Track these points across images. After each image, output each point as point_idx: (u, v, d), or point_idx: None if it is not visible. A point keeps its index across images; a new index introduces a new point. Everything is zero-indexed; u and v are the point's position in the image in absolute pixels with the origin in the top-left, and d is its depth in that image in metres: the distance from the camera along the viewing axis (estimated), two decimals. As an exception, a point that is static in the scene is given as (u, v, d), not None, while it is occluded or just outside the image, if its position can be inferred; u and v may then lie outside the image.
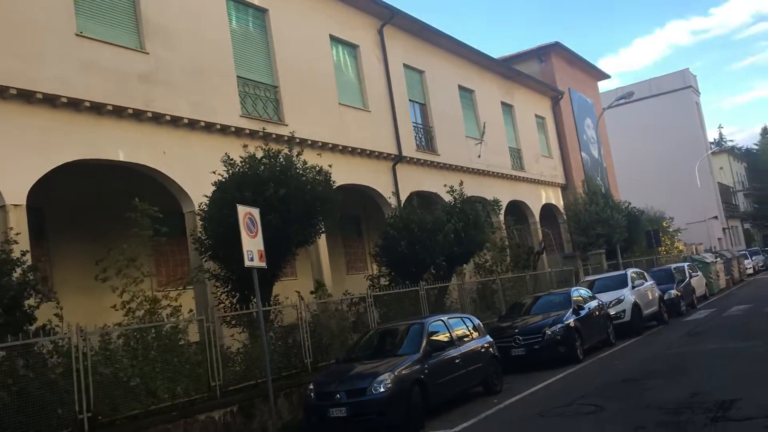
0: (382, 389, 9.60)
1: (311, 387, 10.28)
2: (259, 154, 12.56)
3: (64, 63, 12.32)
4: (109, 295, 10.58)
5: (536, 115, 32.80)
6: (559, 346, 14.39)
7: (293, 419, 10.87)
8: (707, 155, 55.55)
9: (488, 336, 12.91)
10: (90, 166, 13.50)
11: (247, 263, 10.39)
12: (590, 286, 20.73)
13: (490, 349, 12.53)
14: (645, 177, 51.08)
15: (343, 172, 19.45)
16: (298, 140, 17.43)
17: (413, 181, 22.52)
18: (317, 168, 13.12)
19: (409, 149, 22.34)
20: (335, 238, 23.42)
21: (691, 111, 56.33)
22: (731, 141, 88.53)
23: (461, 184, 19.69)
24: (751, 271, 42.31)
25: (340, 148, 19.25)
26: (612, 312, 18.21)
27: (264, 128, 15.19)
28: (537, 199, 31.11)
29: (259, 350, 11.80)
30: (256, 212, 10.83)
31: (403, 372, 10.01)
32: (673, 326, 19.60)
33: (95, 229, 14.73)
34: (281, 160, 12.56)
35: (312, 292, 14.56)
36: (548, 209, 32.06)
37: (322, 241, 18.21)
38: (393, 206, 20.25)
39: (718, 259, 33.51)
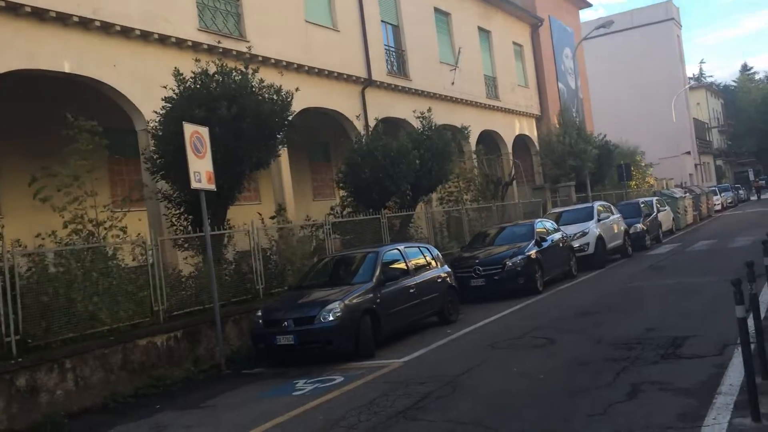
0: (330, 318, 9.34)
1: (259, 314, 10.00)
2: (213, 70, 11.84)
3: (0, -37, 11.35)
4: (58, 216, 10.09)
5: (514, 43, 31.87)
6: (519, 278, 14.25)
7: (243, 346, 10.62)
8: (684, 90, 55.18)
9: (446, 266, 12.66)
10: (38, 78, 12.75)
11: (194, 185, 9.91)
12: (557, 218, 20.59)
13: (448, 279, 12.31)
14: (621, 110, 50.67)
15: (309, 95, 18.71)
16: (260, 58, 16.73)
17: (383, 106, 21.83)
18: (275, 87, 12.45)
19: (380, 73, 21.57)
20: (302, 163, 22.89)
21: (671, 44, 55.57)
22: (711, 77, 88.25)
23: (429, 110, 19.05)
24: (719, 207, 42.71)
25: (306, 68, 18.46)
26: (576, 244, 18.10)
27: (219, 41, 14.35)
28: (510, 129, 30.58)
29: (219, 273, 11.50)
30: (204, 131, 10.26)
31: (354, 301, 9.74)
32: (637, 260, 19.63)
33: (42, 146, 14.04)
34: (235, 76, 11.86)
35: (272, 218, 14.14)
36: (521, 140, 31.59)
37: (285, 164, 17.71)
38: (361, 132, 19.65)
39: (687, 194, 33.62)
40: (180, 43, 14.63)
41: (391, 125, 21.35)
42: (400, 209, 17.86)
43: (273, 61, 17.07)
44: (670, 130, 51.23)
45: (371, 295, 10.07)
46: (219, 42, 14.22)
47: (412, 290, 10.99)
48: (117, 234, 10.51)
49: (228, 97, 11.39)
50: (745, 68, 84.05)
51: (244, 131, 11.40)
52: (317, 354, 9.52)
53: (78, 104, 13.40)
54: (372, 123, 20.98)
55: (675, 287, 13.12)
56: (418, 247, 12.52)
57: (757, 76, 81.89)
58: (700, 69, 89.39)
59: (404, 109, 22.25)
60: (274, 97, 12.24)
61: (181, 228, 12.52)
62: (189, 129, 9.95)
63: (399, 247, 11.68)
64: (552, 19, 34.72)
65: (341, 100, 20.01)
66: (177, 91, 11.69)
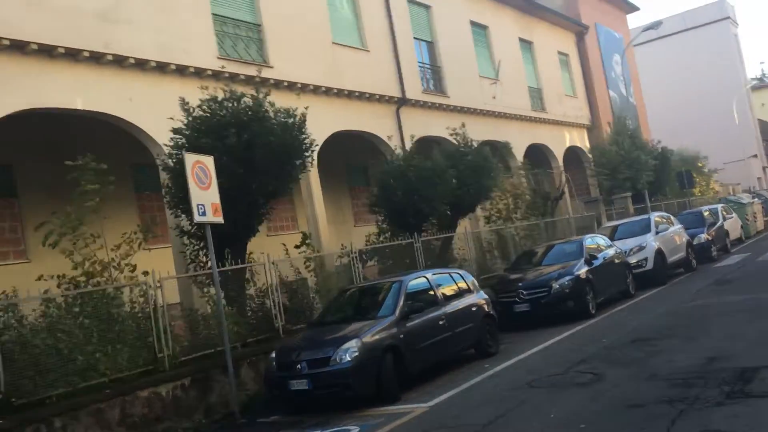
0: (347, 358, 8.40)
1: (272, 355, 9.14)
2: (221, 96, 11.21)
3: (4, 1, 11.06)
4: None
5: (559, 52, 30.67)
6: (568, 301, 13.03)
7: (260, 390, 9.75)
8: (746, 90, 52.42)
9: (482, 292, 11.57)
10: (58, 117, 12.45)
11: (197, 218, 9.20)
12: (611, 232, 19.24)
13: (485, 307, 11.21)
14: (679, 116, 48.35)
15: (340, 118, 18.11)
16: (286, 83, 16.18)
17: (419, 125, 21.00)
18: (290, 110, 11.73)
19: (414, 91, 20.77)
20: (341, 188, 22.24)
21: (728, 44, 52.93)
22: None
23: (463, 126, 18.10)
24: (792, 211, 39.98)
25: (335, 91, 17.84)
26: (633, 260, 16.71)
27: (225, 71, 13.58)
28: (560, 141, 29.28)
29: (233, 313, 10.77)
30: (208, 160, 9.58)
31: (374, 337, 8.77)
32: (702, 273, 18.06)
33: (66, 185, 13.72)
34: (247, 101, 11.20)
35: (297, 246, 13.37)
36: (573, 152, 30.22)
37: (316, 190, 17.07)
38: (397, 152, 18.73)
39: (756, 199, 31.47)
40: (200, 73, 14.18)
41: (429, 144, 20.47)
42: (439, 231, 16.89)
43: (299, 85, 16.50)
44: (733, 133, 48.58)
45: (394, 329, 9.10)
46: (225, 71, 13.40)
47: (441, 322, 9.96)
48: (130, 275, 9.94)
49: (238, 123, 10.73)
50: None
51: (256, 159, 10.69)
52: (335, 399, 8.59)
53: (106, 140, 13.12)
54: (408, 143, 20.19)
55: (743, 304, 11.70)
56: (449, 273, 11.47)
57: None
58: (762, 70, 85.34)
59: (442, 128, 21.28)
60: (289, 120, 11.51)
61: (201, 264, 11.88)
62: (190, 159, 9.28)
63: (426, 275, 10.65)
64: (598, 26, 33.38)
65: (374, 122, 19.28)
66: (186, 121, 11.08)
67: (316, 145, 13.31)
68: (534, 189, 22.55)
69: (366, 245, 15.88)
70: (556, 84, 29.69)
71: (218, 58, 14.55)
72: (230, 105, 11.07)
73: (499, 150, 23.14)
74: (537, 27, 28.85)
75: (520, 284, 13.53)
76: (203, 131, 10.60)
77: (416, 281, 10.29)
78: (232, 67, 14.62)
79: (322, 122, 17.40)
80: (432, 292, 10.29)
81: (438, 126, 21.35)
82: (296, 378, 8.52)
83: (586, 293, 13.37)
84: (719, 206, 25.41)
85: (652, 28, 32.57)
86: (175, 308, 11.35)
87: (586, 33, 32.00)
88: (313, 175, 16.87)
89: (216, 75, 14.26)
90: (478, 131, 22.24)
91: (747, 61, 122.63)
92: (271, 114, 11.54)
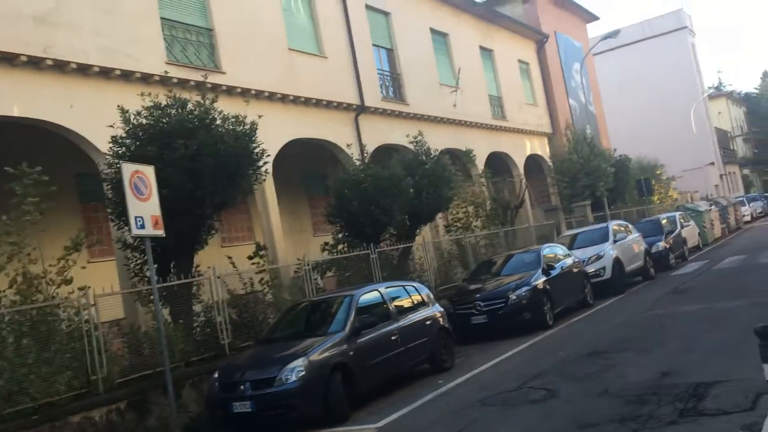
0: (293, 378, 8.01)
1: (215, 375, 8.70)
2: (165, 102, 10.76)
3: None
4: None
5: (519, 60, 30.71)
6: (525, 312, 12.81)
7: (203, 412, 9.30)
8: (703, 99, 53.35)
9: (437, 305, 11.28)
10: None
11: (135, 231, 8.76)
12: (570, 241, 19.17)
13: (440, 320, 10.93)
14: (638, 125, 49.00)
15: (296, 125, 17.73)
16: (239, 90, 15.77)
17: (379, 133, 20.73)
18: (240, 118, 11.33)
19: (374, 99, 20.48)
20: (299, 197, 21.81)
21: (686, 53, 53.86)
22: (730, 86, 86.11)
23: (420, 133, 17.87)
24: (748, 218, 40.72)
25: (291, 98, 17.46)
26: (591, 270, 16.63)
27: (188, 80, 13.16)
28: (521, 149, 29.25)
29: (177, 330, 10.31)
30: (149, 170, 9.13)
31: (323, 355, 8.40)
32: (660, 282, 18.09)
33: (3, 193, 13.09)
34: (192, 108, 10.77)
35: (250, 258, 12.94)
36: (534, 161, 30.22)
37: (271, 200, 16.64)
38: (357, 161, 18.35)
39: (713, 206, 31.84)
40: (147, 79, 13.65)
41: (389, 153, 20.19)
42: (398, 241, 16.60)
43: (253, 92, 16.13)
44: (691, 141, 49.37)
45: (344, 346, 8.74)
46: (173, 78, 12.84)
47: (394, 337, 9.63)
48: (66, 291, 9.42)
49: (183, 132, 10.29)
50: (765, 75, 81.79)
51: (203, 169, 10.26)
52: (279, 423, 8.18)
53: (50, 147, 12.55)
54: (367, 151, 19.89)
55: (700, 314, 11.62)
56: (403, 285, 11.14)
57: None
58: (719, 79, 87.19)
59: (402, 135, 21.03)
60: (239, 128, 11.11)
61: (146, 278, 11.38)
62: (128, 169, 8.83)
63: (379, 288, 10.30)
64: (558, 34, 33.56)
65: (333, 130, 18.93)
66: (126, 129, 10.59)
67: (268, 155, 12.95)
68: (494, 197, 22.40)
69: (322, 256, 15.52)
70: (517, 92, 29.71)
71: (167, 63, 14.05)
72: (174, 112, 10.63)
73: (460, 158, 22.99)
74: (497, 35, 28.83)
75: (477, 295, 13.29)
76: (146, 140, 10.15)
77: (368, 295, 9.94)
78: (181, 73, 14.12)
79: (277, 130, 17.01)
80: (385, 306, 9.96)
81: (398, 134, 21.09)
82: (239, 400, 8.10)
83: (543, 304, 13.19)
84: (677, 214, 25.60)
85: (611, 37, 32.85)
86: (121, 325, 10.86)
87: (546, 41, 32.12)
88: (269, 184, 16.46)
89: (164, 81, 13.72)
90: (439, 139, 22.05)
91: (704, 70, 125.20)
92: (220, 122, 11.15)
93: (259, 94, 16.34)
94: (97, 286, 9.64)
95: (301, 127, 17.87)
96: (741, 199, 43.30)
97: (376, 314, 9.65)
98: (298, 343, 8.86)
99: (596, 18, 39.01)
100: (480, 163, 24.85)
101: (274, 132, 16.92)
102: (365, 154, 18.51)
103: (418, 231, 17.63)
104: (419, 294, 10.99)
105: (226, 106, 12.08)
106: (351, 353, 8.71)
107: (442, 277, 18.26)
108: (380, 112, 20.83)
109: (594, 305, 15.32)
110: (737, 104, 73.26)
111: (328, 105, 18.76)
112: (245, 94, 15.94)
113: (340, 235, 15.69)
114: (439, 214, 20.79)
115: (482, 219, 21.97)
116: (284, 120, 17.26)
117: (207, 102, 11.01)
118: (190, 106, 10.84)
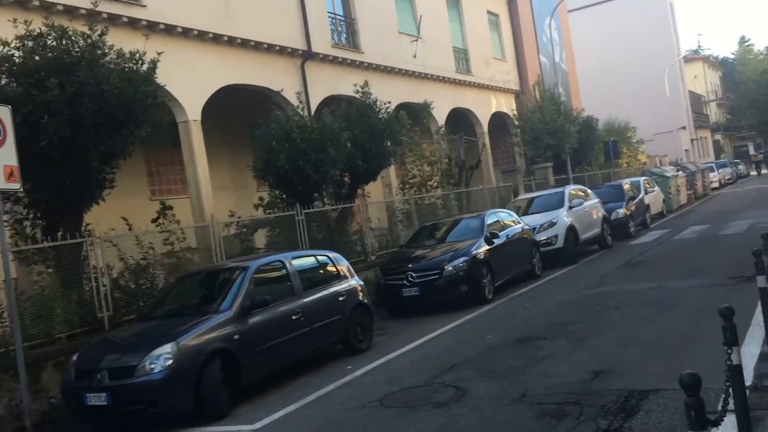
0: (158, 368, 6.71)
1: (74, 359, 7.37)
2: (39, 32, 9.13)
3: None
4: None
5: (488, 12, 29.06)
6: (461, 285, 11.60)
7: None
8: (678, 61, 52.14)
9: (356, 278, 9.98)
10: None
11: (-22, 185, 7.29)
12: (526, 206, 18.02)
13: (358, 296, 9.67)
14: (612, 86, 47.62)
15: (232, 69, 16.10)
16: (162, 26, 14.12)
17: (329, 82, 19.19)
18: (136, 55, 9.74)
19: (323, 45, 18.86)
20: (243, 149, 20.17)
21: (663, 13, 52.39)
22: (708, 50, 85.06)
23: (366, 84, 16.38)
24: (716, 185, 39.96)
25: (226, 38, 15.85)
26: (542, 238, 15.48)
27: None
28: (486, 106, 27.82)
29: (57, 296, 8.95)
30: (4, 111, 7.62)
31: (198, 340, 7.09)
32: (615, 252, 17.06)
33: None
34: (77, 41, 9.16)
35: (154, 220, 11.50)
36: (499, 118, 28.80)
37: (199, 151, 15.12)
38: (301, 110, 16.72)
39: (680, 172, 30.88)
40: (49, 8, 11.85)
41: (341, 104, 18.70)
42: (337, 201, 15.26)
43: (180, 29, 14.51)
44: (663, 104, 48.28)
45: (228, 329, 7.43)
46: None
47: (296, 316, 8.33)
48: None
49: (59, 68, 8.73)
50: (742, 40, 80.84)
51: (83, 114, 8.75)
52: (143, 418, 6.91)
53: None
54: (315, 102, 18.37)
55: (649, 295, 10.51)
56: (315, 255, 9.81)
57: (756, 48, 78.67)
58: (698, 42, 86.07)
59: (354, 86, 19.53)
60: (133, 67, 9.55)
61: (29, 237, 9.94)
62: (-26, 111, 7.31)
63: (283, 259, 8.94)
64: (530, -15, 31.84)
65: (275, 76, 17.33)
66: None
67: (169, 100, 11.31)
68: (449, 156, 21.07)
69: (252, 217, 14.14)
70: (484, 45, 28.15)
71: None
72: (53, 44, 9.03)
73: (418, 113, 21.53)
74: (465, -18, 27.11)
75: (410, 265, 12.04)
76: (11, 76, 8.58)
77: (267, 267, 8.61)
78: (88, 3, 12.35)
79: (209, 74, 15.44)
80: (288, 281, 8.62)
81: (349, 84, 19.41)
82: (94, 390, 6.77)
83: (482, 276, 11.99)
84: (642, 179, 24.58)
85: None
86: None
87: (517, -8, 30.46)
88: (196, 133, 14.98)
89: (46, 7, 11.78)
90: (396, 92, 20.57)
91: (683, 33, 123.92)
92: (114, 59, 9.57)
93: (187, 32, 14.75)
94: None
95: (238, 72, 16.28)
96: (710, 165, 42.48)
97: (276, 290, 8.32)
98: (175, 323, 7.53)
99: (572, -29, 37.24)
100: (441, 119, 23.43)
101: (204, 76, 15.34)
102: (300, 104, 16.68)
103: (360, 191, 16.28)
104: (334, 265, 9.67)
105: (149, 45, 10.45)
106: (236, 337, 7.40)
107: (390, 242, 17.00)
108: (330, 59, 19.26)
109: (542, 277, 14.22)
110: (714, 68, 72.31)
111: (270, 49, 17.17)
112: (171, 31, 14.34)
113: (271, 193, 14.29)
114: (389, 172, 19.48)
115: (437, 178, 20.71)
116: (217, 63, 15.66)
117: (95, 34, 9.40)
118: (77, 39, 9.20)
